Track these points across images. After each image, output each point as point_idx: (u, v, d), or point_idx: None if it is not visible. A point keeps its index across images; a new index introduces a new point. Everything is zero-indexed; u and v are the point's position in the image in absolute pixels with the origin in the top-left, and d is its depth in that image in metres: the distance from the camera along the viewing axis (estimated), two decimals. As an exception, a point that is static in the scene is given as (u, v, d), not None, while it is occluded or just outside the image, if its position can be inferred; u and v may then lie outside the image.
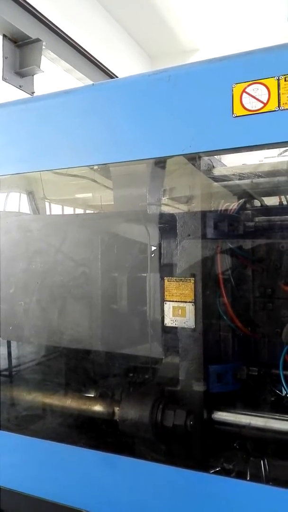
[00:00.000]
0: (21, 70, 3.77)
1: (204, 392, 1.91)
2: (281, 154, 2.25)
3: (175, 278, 1.94)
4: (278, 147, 1.74)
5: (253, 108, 1.53)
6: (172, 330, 1.96)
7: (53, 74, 4.29)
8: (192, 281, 1.90)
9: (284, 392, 2.06)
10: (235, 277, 2.10)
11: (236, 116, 1.56)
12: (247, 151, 1.62)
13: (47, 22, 3.92)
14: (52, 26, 3.97)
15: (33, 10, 3.77)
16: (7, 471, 2.08)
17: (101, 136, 1.85)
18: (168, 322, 1.95)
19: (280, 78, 1.49)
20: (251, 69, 1.55)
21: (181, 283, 1.93)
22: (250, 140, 1.56)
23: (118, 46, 8.48)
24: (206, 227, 1.94)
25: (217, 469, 1.86)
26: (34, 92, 3.90)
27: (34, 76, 3.90)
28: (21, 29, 3.66)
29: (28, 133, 2.02)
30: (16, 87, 3.77)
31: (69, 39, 4.16)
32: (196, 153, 1.68)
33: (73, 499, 1.91)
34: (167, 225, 2.11)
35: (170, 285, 1.95)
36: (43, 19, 3.87)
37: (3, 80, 3.67)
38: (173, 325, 1.94)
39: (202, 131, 1.63)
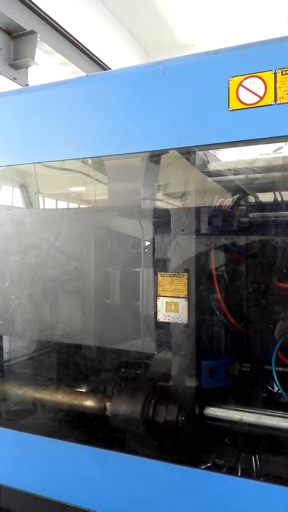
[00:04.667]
0: (15, 62, 3.73)
1: (196, 387, 1.90)
2: (276, 150, 2.24)
3: (168, 273, 1.93)
4: (274, 142, 1.72)
5: (250, 102, 1.51)
6: (165, 325, 1.95)
7: (48, 67, 4.24)
8: (186, 277, 1.89)
9: (276, 388, 2.05)
10: (228, 273, 2.09)
11: (232, 110, 1.54)
12: (243, 145, 1.61)
13: (42, 14, 3.87)
14: (47, 18, 3.92)
15: (28, 2, 3.72)
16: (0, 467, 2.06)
17: (95, 128, 1.83)
18: (161, 317, 1.93)
19: (277, 71, 1.48)
20: (247, 62, 1.53)
21: (174, 278, 1.92)
22: (246, 134, 1.54)
23: (115, 40, 8.42)
24: (200, 222, 1.93)
25: (208, 464, 1.85)
26: (28, 85, 3.86)
27: (29, 68, 3.86)
28: (15, 20, 3.61)
29: (20, 124, 1.99)
30: (10, 79, 3.74)
31: (64, 32, 4.12)
32: (191, 146, 1.66)
33: (66, 495, 1.90)
34: (161, 220, 2.09)
35: (164, 280, 1.93)
36: (38, 11, 3.82)
37: (-3, 72, 3.63)
38: (166, 320, 1.93)
39: (197, 124, 1.62)
